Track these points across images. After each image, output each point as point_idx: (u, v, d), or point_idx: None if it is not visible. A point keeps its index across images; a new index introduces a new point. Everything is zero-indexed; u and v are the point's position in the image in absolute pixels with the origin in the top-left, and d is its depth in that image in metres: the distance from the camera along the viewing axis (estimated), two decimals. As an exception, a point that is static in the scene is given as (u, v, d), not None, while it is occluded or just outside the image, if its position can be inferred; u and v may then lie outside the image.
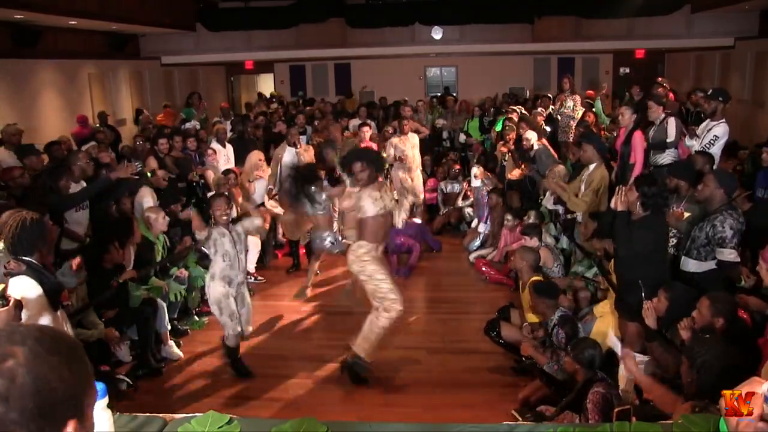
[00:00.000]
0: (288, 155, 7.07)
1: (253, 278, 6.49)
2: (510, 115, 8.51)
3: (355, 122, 9.75)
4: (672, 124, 5.70)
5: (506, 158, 7.65)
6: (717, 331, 2.99)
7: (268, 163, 7.26)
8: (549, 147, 7.31)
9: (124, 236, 4.90)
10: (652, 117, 5.86)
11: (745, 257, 4.22)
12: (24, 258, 2.83)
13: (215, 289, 4.32)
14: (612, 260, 4.70)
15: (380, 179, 6.90)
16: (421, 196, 8.02)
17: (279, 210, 6.86)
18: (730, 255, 3.88)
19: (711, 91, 5.57)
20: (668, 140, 5.67)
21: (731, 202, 4.08)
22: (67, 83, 11.10)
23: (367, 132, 7.73)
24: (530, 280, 4.71)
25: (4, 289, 2.45)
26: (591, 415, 2.97)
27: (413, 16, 14.19)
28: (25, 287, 2.74)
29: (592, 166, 5.38)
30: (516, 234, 6.33)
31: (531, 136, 7.19)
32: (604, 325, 4.23)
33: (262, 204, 7.00)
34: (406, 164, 7.62)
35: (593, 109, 8.84)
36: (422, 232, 7.22)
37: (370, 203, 4.25)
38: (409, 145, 7.68)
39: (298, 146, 7.14)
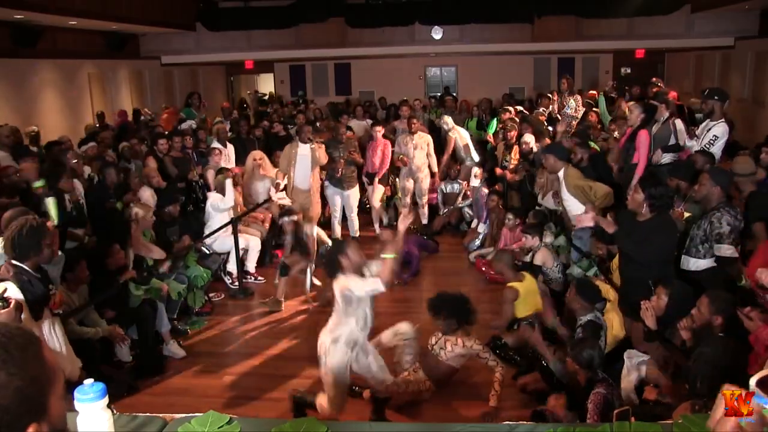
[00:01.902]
0: (303, 151, 7.07)
1: (252, 278, 6.51)
2: (503, 116, 8.53)
3: (354, 122, 9.76)
4: (680, 126, 5.73)
5: (507, 159, 7.64)
6: (715, 329, 3.01)
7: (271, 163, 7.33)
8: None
9: (125, 237, 4.90)
10: (656, 115, 5.89)
11: (744, 253, 4.22)
12: (16, 263, 2.87)
13: (336, 356, 3.52)
14: (612, 260, 4.71)
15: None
16: (424, 198, 7.99)
17: (287, 201, 6.89)
18: (728, 251, 3.90)
19: (707, 91, 5.59)
20: (677, 143, 5.69)
21: (731, 200, 4.09)
22: (67, 83, 11.10)
23: (380, 131, 7.68)
24: (513, 281, 4.92)
25: (4, 291, 2.46)
26: (591, 416, 2.97)
27: (413, 16, 14.16)
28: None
29: (561, 173, 5.31)
30: (516, 233, 6.34)
31: (529, 139, 7.19)
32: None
33: (264, 203, 7.01)
34: (411, 167, 7.64)
35: (594, 108, 8.84)
36: (421, 243, 7.13)
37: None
38: (411, 146, 7.65)
39: (313, 143, 7.12)
